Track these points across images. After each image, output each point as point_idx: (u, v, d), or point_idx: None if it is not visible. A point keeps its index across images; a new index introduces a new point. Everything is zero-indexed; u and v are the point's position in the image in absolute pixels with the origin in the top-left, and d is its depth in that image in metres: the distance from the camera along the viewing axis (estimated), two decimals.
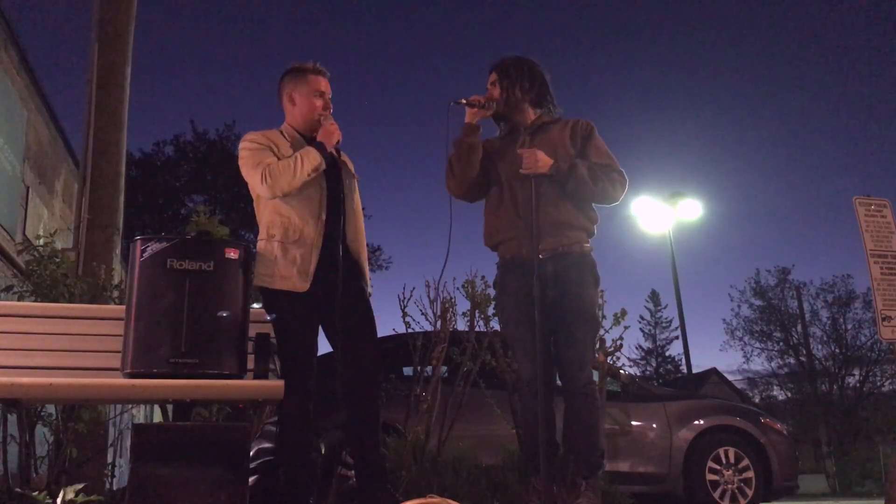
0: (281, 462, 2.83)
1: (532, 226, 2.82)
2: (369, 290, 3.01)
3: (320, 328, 2.92)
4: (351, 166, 3.08)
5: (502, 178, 2.98)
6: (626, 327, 4.18)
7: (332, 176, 2.94)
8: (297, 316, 2.79)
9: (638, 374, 33.21)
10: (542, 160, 2.83)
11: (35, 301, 3.75)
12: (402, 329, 4.06)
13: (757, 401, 28.34)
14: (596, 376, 4.15)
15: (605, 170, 2.91)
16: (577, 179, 2.83)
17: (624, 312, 4.19)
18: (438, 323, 3.98)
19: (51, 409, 3.68)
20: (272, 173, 2.76)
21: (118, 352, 2.47)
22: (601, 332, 4.17)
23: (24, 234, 9.88)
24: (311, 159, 2.79)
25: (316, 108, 2.95)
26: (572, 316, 2.82)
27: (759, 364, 32.29)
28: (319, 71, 2.99)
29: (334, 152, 2.92)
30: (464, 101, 2.95)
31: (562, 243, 2.85)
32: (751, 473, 5.10)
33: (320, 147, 2.84)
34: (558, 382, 2.93)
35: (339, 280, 2.82)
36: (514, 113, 3.02)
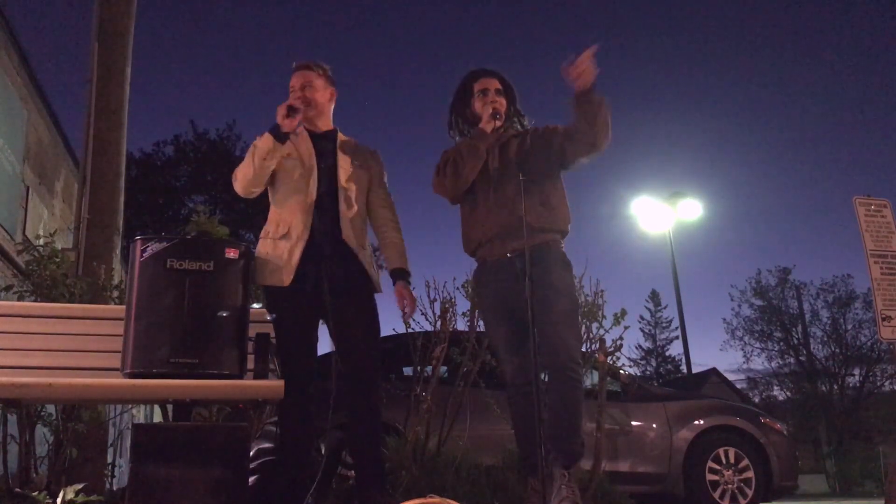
0: (281, 462, 2.83)
1: (511, 225, 2.84)
2: (377, 287, 2.96)
3: (324, 326, 2.91)
4: (366, 155, 3.06)
5: (476, 184, 3.03)
6: (626, 327, 4.16)
7: (327, 168, 2.93)
8: (284, 311, 2.81)
9: (638, 374, 33.21)
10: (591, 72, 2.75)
11: (35, 301, 3.75)
12: (402, 329, 4.06)
13: (757, 401, 28.32)
14: (596, 376, 4.16)
15: None
16: (601, 103, 2.78)
17: (624, 312, 4.18)
18: (438, 323, 3.98)
19: (51, 409, 3.68)
20: (237, 169, 2.90)
21: (118, 352, 2.47)
22: (601, 332, 4.16)
23: (24, 234, 9.88)
24: (258, 142, 2.80)
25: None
26: (547, 296, 2.79)
27: (759, 364, 32.29)
28: (295, 66, 3.00)
29: (326, 141, 2.96)
30: (490, 112, 2.99)
31: (532, 243, 2.82)
32: (751, 473, 5.10)
33: (273, 128, 2.78)
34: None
35: (324, 275, 2.79)
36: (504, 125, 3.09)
